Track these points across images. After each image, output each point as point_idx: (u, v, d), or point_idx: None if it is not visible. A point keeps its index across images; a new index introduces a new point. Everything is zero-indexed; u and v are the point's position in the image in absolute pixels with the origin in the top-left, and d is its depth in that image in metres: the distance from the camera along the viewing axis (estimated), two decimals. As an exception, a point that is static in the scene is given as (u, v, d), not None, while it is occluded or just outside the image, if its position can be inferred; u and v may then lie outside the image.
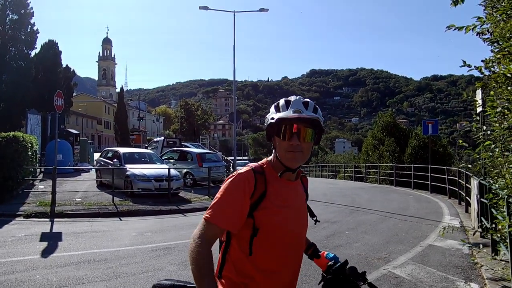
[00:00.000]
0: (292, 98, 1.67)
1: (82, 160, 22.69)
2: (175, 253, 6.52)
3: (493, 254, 5.82)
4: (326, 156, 57.03)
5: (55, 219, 9.74)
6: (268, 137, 1.67)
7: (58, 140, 18.36)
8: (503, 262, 5.02)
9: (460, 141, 4.87)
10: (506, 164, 4.14)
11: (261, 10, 21.96)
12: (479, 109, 6.57)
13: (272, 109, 1.66)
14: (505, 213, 4.27)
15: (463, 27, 4.40)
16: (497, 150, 4.14)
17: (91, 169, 20.53)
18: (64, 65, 38.94)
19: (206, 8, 20.98)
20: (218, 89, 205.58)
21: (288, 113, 1.58)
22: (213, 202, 1.57)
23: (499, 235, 4.65)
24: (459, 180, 12.88)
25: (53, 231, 8.52)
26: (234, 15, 20.96)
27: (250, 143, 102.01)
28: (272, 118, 1.62)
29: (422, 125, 18.48)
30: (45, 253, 6.52)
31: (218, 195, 1.58)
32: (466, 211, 11.03)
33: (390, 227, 8.76)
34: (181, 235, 8.06)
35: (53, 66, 33.59)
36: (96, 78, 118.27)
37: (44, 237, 7.83)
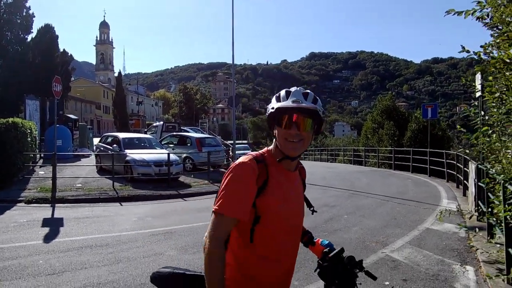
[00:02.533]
0: (293, 89, 1.69)
1: (81, 146, 22.70)
2: (175, 238, 6.60)
3: (488, 238, 5.90)
4: (325, 140, 56.98)
5: (56, 205, 9.82)
6: (269, 126, 1.70)
7: (57, 125, 18.38)
8: (498, 245, 5.10)
9: (458, 126, 4.88)
10: (503, 149, 4.17)
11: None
12: (478, 94, 6.57)
13: (273, 99, 1.69)
14: (501, 198, 4.32)
15: (462, 11, 4.36)
16: (494, 135, 4.16)
17: (90, 154, 20.56)
18: (61, 50, 38.57)
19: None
20: (217, 72, 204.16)
21: (288, 103, 1.61)
22: (220, 193, 1.58)
23: (495, 219, 4.71)
24: (458, 164, 12.94)
25: (55, 216, 8.60)
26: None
27: (250, 127, 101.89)
28: (273, 108, 1.64)
29: (422, 109, 18.48)
30: (47, 238, 6.60)
31: (224, 186, 1.59)
32: (464, 194, 11.13)
33: (388, 211, 8.85)
34: (181, 220, 8.15)
35: (50, 50, 33.27)
36: (94, 63, 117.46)
37: (45, 222, 7.91)
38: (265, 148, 1.76)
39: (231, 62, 21.14)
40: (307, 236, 1.99)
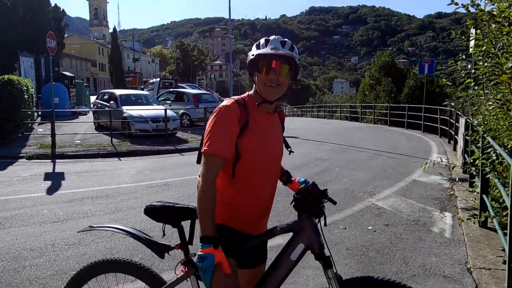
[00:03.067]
0: (272, 37, 1.83)
1: (78, 103, 22.75)
2: (173, 189, 6.91)
3: (469, 188, 6.21)
4: (323, 97, 56.87)
5: (56, 160, 10.08)
6: (249, 73, 1.84)
7: (54, 83, 18.29)
8: (476, 193, 5.39)
9: (444, 80, 4.99)
10: (485, 102, 4.32)
11: None
12: (471, 49, 6.61)
13: (254, 47, 1.82)
14: (480, 148, 4.55)
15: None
16: (476, 88, 4.30)
17: (88, 111, 20.64)
18: (52, 5, 37.41)
19: None
20: (215, 28, 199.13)
21: (267, 50, 1.75)
22: (206, 135, 1.74)
23: (475, 169, 4.95)
24: (450, 120, 13.14)
25: (56, 171, 8.88)
26: None
27: (247, 83, 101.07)
28: (253, 55, 1.78)
29: (419, 64, 18.40)
30: (50, 190, 6.90)
31: (209, 128, 1.75)
32: (454, 149, 11.40)
33: (379, 164, 9.14)
34: (178, 173, 8.44)
35: (41, 5, 32.26)
36: (88, 18, 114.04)
37: (47, 176, 8.20)
38: (246, 93, 1.92)
39: (229, 17, 20.73)
40: (286, 176, 2.20)
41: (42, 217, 5.35)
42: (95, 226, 2.21)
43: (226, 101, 1.82)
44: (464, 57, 4.98)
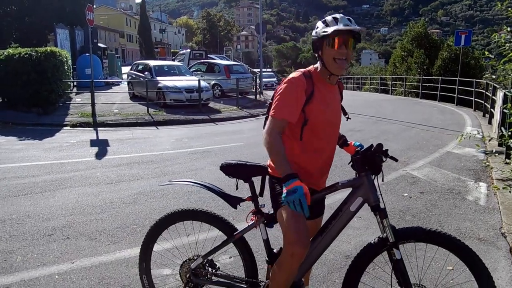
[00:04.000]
0: (338, 15, 2.04)
1: (111, 74, 23.34)
2: (213, 156, 7.27)
3: (506, 160, 6.27)
4: (351, 68, 55.73)
5: (98, 128, 10.64)
6: (314, 49, 2.06)
7: (88, 54, 18.86)
8: (512, 165, 5.49)
9: (486, 52, 5.01)
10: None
11: None
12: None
13: (320, 24, 2.03)
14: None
15: None
16: (519, 60, 4.33)
17: (120, 82, 21.24)
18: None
19: None
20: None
21: (340, 26, 1.96)
22: (275, 102, 2.01)
23: (512, 141, 5.03)
24: (486, 93, 12.87)
25: (99, 138, 9.41)
26: None
27: (274, 54, 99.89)
28: (325, 32, 1.97)
29: (455, 35, 17.83)
30: (99, 155, 7.40)
31: (278, 95, 2.01)
32: (489, 123, 11.27)
33: (412, 136, 9.22)
34: (215, 141, 8.80)
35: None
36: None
37: (93, 143, 8.73)
38: (311, 67, 2.14)
39: (257, -13, 20.52)
40: (342, 140, 2.46)
41: (96, 179, 5.82)
42: (174, 181, 2.54)
43: (295, 73, 2.06)
44: (508, 29, 4.97)
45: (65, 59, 14.13)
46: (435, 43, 26.06)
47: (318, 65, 2.11)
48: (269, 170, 2.19)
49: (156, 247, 2.48)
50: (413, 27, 27.69)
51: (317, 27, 2.04)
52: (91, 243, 3.69)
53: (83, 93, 15.70)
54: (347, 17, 2.02)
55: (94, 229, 4.01)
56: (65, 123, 11.07)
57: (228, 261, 3.20)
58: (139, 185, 5.52)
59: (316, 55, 2.08)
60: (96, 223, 4.16)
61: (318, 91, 2.05)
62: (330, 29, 1.95)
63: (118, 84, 20.72)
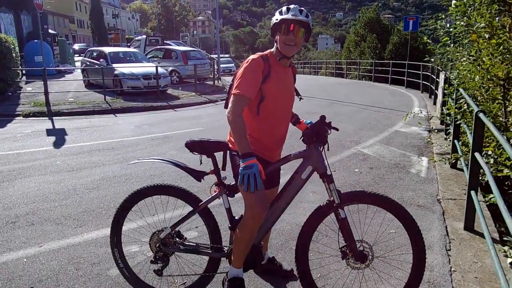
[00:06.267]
0: (292, 6, 2.30)
1: (63, 62, 22.43)
2: (173, 141, 7.39)
3: (445, 136, 6.89)
4: (308, 53, 56.65)
5: (53, 117, 10.36)
6: (272, 34, 2.33)
7: (37, 41, 18.01)
8: (449, 140, 6.05)
9: (425, 38, 5.48)
10: (460, 58, 4.84)
11: None
12: (451, 9, 7.03)
13: (277, 13, 2.30)
14: (454, 99, 5.13)
15: None
16: (452, 45, 4.80)
17: (74, 69, 20.50)
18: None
19: None
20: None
21: (288, 16, 2.23)
22: (237, 81, 2.24)
23: (449, 118, 5.56)
24: (432, 75, 13.73)
25: (56, 127, 9.20)
26: None
27: (231, 40, 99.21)
28: (277, 19, 2.26)
29: (404, 21, 18.70)
30: (57, 144, 7.30)
31: (240, 75, 2.25)
32: (434, 103, 12.07)
33: (364, 117, 9.75)
34: (175, 127, 8.89)
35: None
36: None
37: (50, 132, 8.54)
38: (268, 51, 2.40)
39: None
40: (295, 118, 2.75)
41: (56, 167, 5.80)
42: (141, 159, 2.72)
43: (253, 56, 2.31)
44: (443, 17, 5.44)
45: (12, 46, 13.49)
46: (387, 28, 27.13)
47: (273, 49, 2.36)
48: (230, 145, 2.43)
49: (127, 224, 2.66)
50: (365, 12, 28.60)
51: (275, 15, 2.29)
52: (57, 227, 3.78)
53: (33, 81, 15.07)
54: (300, 8, 2.27)
55: (59, 214, 4.08)
56: (16, 113, 10.66)
57: (195, 234, 3.43)
58: (101, 171, 5.57)
59: (273, 39, 2.33)
60: (61, 209, 4.23)
61: (274, 72, 2.31)
62: (279, 18, 2.22)
63: (72, 72, 20.01)
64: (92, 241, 3.47)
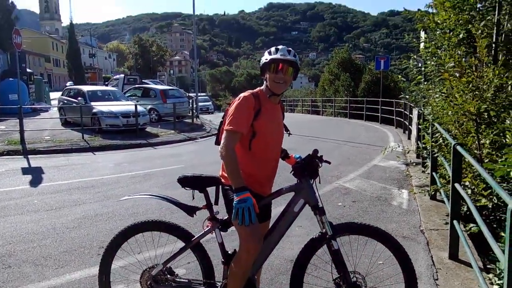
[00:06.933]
0: (280, 46, 2.43)
1: (38, 100, 22.15)
2: (155, 178, 7.31)
3: (422, 169, 7.11)
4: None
5: (29, 156, 10.09)
6: (261, 73, 2.43)
7: (11, 79, 17.82)
8: (427, 173, 6.27)
9: (399, 76, 5.79)
10: (433, 94, 5.12)
11: None
12: (421, 50, 7.50)
13: (266, 53, 2.41)
14: (430, 133, 5.36)
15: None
16: (426, 83, 5.09)
17: (49, 108, 20.26)
18: (2, -4, 35.63)
19: None
20: (173, 23, 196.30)
21: (277, 56, 2.34)
22: (229, 117, 2.31)
23: (426, 151, 5.78)
24: (405, 111, 14.29)
25: (32, 166, 8.96)
26: None
27: (208, 79, 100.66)
28: (266, 59, 2.36)
29: (375, 60, 19.61)
30: (34, 183, 7.10)
31: (231, 112, 2.32)
32: (409, 138, 12.50)
33: (343, 153, 9.97)
34: (156, 164, 8.82)
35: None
36: (36, 11, 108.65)
37: (25, 171, 8.31)
38: (258, 88, 2.49)
39: (189, 12, 21.01)
40: (284, 153, 2.81)
41: (34, 206, 5.62)
42: (132, 195, 2.70)
43: (244, 93, 2.39)
44: (415, 56, 5.78)
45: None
46: (359, 67, 28.27)
47: (263, 87, 2.46)
48: (222, 180, 2.46)
49: (116, 261, 2.60)
50: (338, 52, 29.83)
51: (264, 55, 2.40)
52: (37, 268, 3.64)
53: (7, 119, 14.77)
54: (288, 48, 2.40)
55: (39, 255, 3.93)
56: (-11, 152, 10.35)
57: (186, 268, 3.36)
58: (82, 210, 5.44)
59: (263, 78, 2.43)
60: (40, 249, 4.07)
61: (264, 108, 2.40)
62: (269, 57, 2.34)
63: (47, 111, 19.75)
64: (75, 282, 3.34)
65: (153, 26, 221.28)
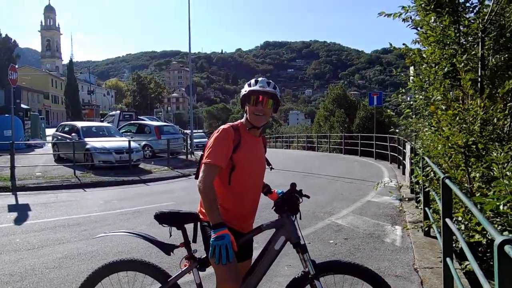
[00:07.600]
0: (260, 78, 2.40)
1: (34, 136, 22.12)
2: (144, 216, 7.14)
3: (416, 204, 6.99)
4: (280, 128, 58.42)
5: (18, 193, 9.90)
6: (241, 105, 2.39)
7: (7, 115, 17.84)
8: (420, 208, 6.14)
9: (389, 111, 5.80)
10: (422, 128, 5.11)
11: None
12: (410, 84, 7.60)
13: (246, 85, 2.38)
14: (421, 167, 5.30)
15: (391, 14, 5.25)
16: (414, 116, 5.09)
17: (44, 144, 20.19)
18: (3, 35, 36.65)
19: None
20: (171, 61, 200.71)
21: (256, 88, 2.31)
22: (207, 150, 2.24)
23: (418, 186, 5.70)
24: (399, 147, 14.31)
25: (19, 203, 8.76)
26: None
27: (205, 116, 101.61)
28: (245, 91, 2.33)
29: (368, 97, 19.88)
30: (18, 221, 6.90)
31: (211, 145, 2.25)
32: (403, 173, 12.42)
33: (337, 188, 9.85)
34: (146, 201, 8.65)
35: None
36: (38, 50, 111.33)
37: (12, 208, 8.12)
38: (238, 121, 2.44)
39: (187, 50, 21.40)
40: (267, 188, 2.73)
41: (15, 245, 5.42)
42: (108, 232, 2.58)
43: (224, 126, 2.34)
44: (403, 91, 5.82)
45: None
46: (353, 103, 28.67)
47: (243, 119, 2.42)
48: (201, 216, 2.36)
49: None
50: (333, 89, 30.35)
51: (244, 87, 2.38)
52: (10, 312, 3.43)
53: (0, 156, 14.63)
54: (268, 80, 2.38)
55: (14, 297, 3.73)
56: (-22, 188, 10.17)
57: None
58: (64, 249, 5.24)
59: (243, 110, 2.40)
60: (16, 292, 3.87)
61: (244, 141, 2.34)
62: (248, 89, 2.30)
63: (42, 147, 19.67)
64: (48, 328, 3.14)
65: (152, 64, 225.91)
